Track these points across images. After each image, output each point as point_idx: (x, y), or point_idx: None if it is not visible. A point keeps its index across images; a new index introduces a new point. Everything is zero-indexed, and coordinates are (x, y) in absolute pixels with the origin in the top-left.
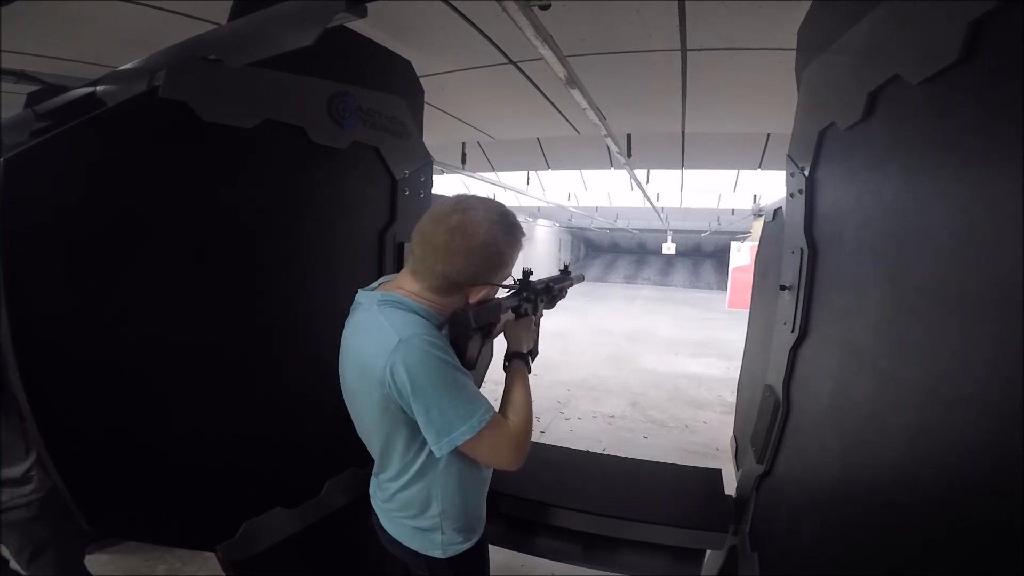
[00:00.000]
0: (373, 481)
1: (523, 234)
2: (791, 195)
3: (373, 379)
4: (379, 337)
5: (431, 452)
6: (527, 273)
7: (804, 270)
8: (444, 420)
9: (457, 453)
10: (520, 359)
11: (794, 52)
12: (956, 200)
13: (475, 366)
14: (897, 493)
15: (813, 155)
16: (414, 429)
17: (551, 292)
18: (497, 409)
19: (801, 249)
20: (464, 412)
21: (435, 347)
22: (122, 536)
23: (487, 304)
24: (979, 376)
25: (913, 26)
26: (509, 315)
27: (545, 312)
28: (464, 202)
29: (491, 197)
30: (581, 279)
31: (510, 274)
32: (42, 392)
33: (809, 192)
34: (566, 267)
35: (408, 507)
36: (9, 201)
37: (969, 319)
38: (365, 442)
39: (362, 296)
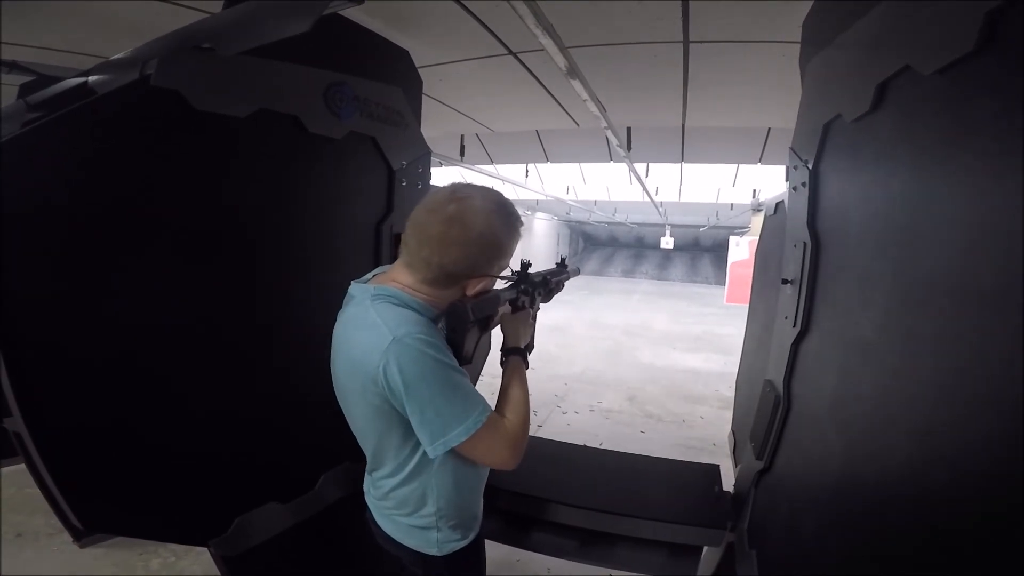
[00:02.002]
0: (367, 478)
1: (522, 224)
2: (794, 188)
3: (366, 378)
4: (372, 335)
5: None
6: (525, 265)
7: (807, 264)
8: (439, 421)
9: (453, 451)
10: (518, 355)
11: (798, 45)
12: (969, 192)
13: (472, 360)
14: (902, 491)
15: (817, 148)
16: (408, 427)
17: (548, 285)
18: (493, 406)
19: (804, 243)
20: (459, 413)
21: (430, 346)
22: (115, 532)
23: (485, 296)
24: (990, 373)
25: (926, 16)
26: (506, 308)
27: (541, 306)
28: (461, 191)
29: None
30: (577, 272)
31: (508, 265)
32: (31, 386)
33: (813, 185)
34: (563, 260)
35: (403, 505)
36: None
37: (980, 315)
38: (358, 439)
39: (355, 288)
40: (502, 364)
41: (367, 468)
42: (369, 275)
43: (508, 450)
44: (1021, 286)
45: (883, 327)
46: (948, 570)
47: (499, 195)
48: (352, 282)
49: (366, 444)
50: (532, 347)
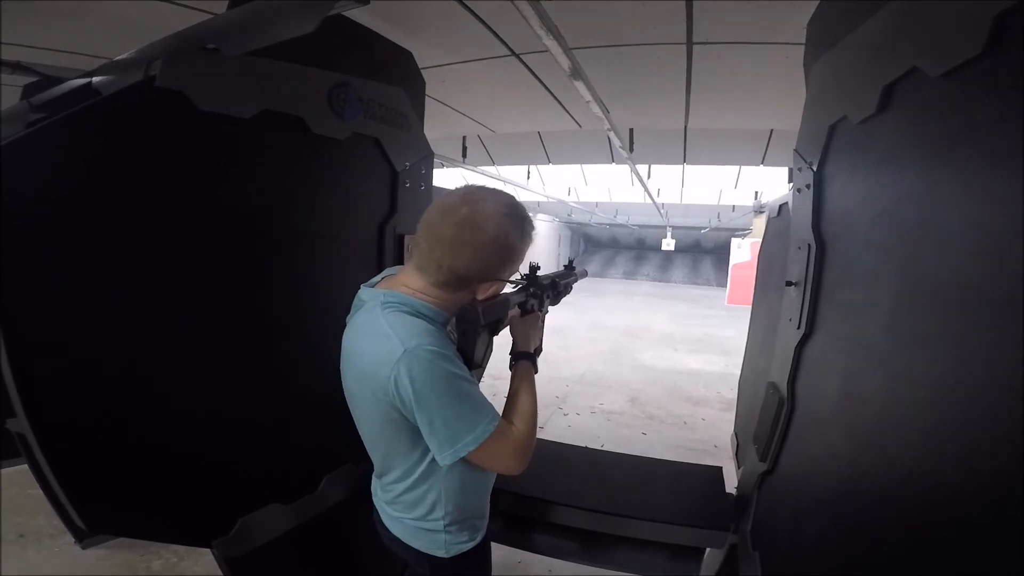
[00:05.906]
0: (375, 481)
1: (533, 227)
2: (798, 190)
3: (376, 387)
4: (383, 345)
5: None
6: (534, 268)
7: (811, 266)
8: (448, 432)
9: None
10: (528, 360)
11: (802, 46)
12: (974, 196)
13: (483, 364)
14: (909, 493)
15: (822, 150)
16: (417, 434)
17: (557, 288)
18: (502, 411)
19: (808, 245)
20: (469, 423)
21: (441, 357)
22: (118, 532)
23: (495, 300)
24: (996, 374)
25: (934, 19)
26: (515, 311)
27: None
28: (473, 194)
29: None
30: (585, 274)
31: (518, 269)
32: (34, 386)
33: (817, 187)
34: (571, 262)
35: (412, 508)
36: (3, 190)
37: (986, 316)
38: (367, 445)
39: (365, 293)
40: (511, 368)
41: (375, 472)
42: (378, 277)
43: (515, 457)
44: None
45: (888, 329)
46: (954, 572)
47: (511, 198)
48: (362, 286)
49: (375, 450)
50: (541, 350)
